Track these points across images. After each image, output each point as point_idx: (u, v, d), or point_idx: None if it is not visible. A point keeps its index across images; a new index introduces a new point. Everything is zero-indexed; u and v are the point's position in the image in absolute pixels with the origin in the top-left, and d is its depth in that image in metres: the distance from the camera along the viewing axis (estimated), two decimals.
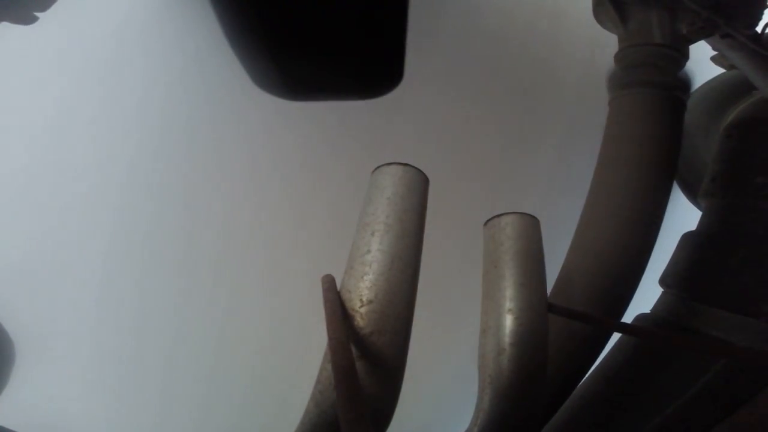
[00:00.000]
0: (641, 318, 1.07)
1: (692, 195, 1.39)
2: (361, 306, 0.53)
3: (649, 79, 1.01)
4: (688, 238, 1.10)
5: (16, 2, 1.10)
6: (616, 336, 1.01)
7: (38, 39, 1.56)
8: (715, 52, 1.28)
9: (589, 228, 1.02)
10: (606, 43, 1.16)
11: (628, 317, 1.05)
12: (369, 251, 0.56)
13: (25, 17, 1.13)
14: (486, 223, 0.74)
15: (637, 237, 0.97)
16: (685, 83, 1.05)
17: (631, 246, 0.97)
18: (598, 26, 1.19)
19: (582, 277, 0.97)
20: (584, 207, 1.05)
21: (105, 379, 1.47)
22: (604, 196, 1.02)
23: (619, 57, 1.09)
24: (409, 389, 0.56)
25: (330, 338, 0.48)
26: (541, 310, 0.66)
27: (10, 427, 0.82)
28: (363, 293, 0.54)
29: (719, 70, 1.33)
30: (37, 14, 1.15)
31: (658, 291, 1.12)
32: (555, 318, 0.68)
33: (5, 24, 1.12)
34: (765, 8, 1.03)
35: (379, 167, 0.65)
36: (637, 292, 1.02)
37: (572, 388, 0.97)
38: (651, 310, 1.09)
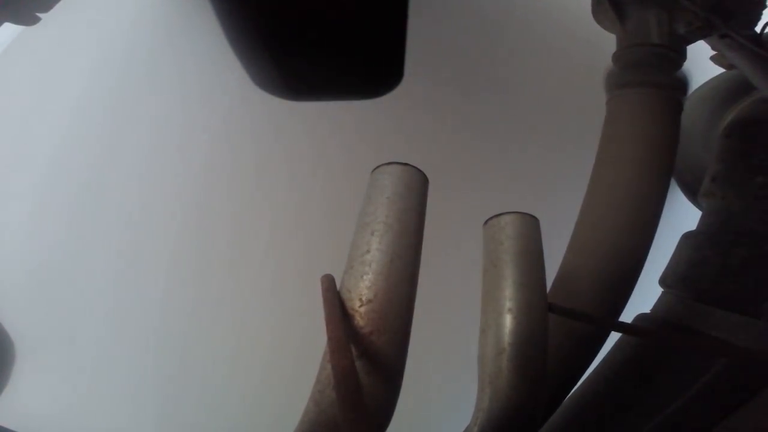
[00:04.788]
0: (641, 318, 1.07)
1: (692, 195, 1.39)
2: (361, 305, 0.53)
3: (647, 79, 1.01)
4: (688, 238, 1.10)
5: (18, 3, 1.10)
6: (616, 336, 1.01)
7: (39, 39, 1.57)
8: (714, 52, 1.28)
9: (587, 228, 1.02)
10: (604, 43, 1.16)
11: (628, 317, 1.05)
12: (368, 251, 0.56)
13: (27, 18, 1.13)
14: (486, 223, 0.74)
15: (634, 236, 0.97)
16: (683, 83, 1.06)
17: (628, 245, 0.97)
18: (597, 26, 1.19)
19: (581, 276, 0.97)
20: (581, 206, 1.05)
21: (106, 380, 1.47)
22: (601, 195, 1.02)
23: (617, 57, 1.09)
24: (409, 389, 0.56)
25: (330, 338, 0.48)
26: (541, 310, 0.66)
27: (10, 428, 0.82)
28: (363, 293, 0.54)
29: (718, 70, 1.34)
30: (39, 15, 1.15)
31: (658, 291, 1.11)
32: (555, 318, 0.68)
33: (6, 25, 1.12)
34: (764, 8, 1.03)
35: (378, 167, 0.65)
36: (637, 292, 1.02)
37: (572, 387, 0.97)
38: (651, 310, 1.09)
